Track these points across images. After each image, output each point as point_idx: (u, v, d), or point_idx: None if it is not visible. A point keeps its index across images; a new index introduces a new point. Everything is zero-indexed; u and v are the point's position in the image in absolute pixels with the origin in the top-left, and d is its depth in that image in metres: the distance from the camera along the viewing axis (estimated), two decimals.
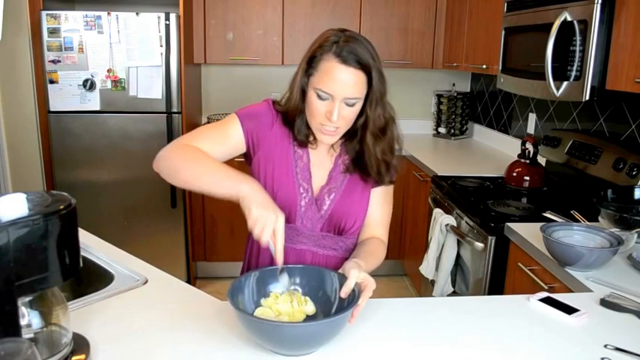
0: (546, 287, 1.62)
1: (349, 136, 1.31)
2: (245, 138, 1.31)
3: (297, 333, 1.00)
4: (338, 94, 1.18)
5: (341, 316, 1.01)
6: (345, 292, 1.09)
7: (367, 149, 1.28)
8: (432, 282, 2.50)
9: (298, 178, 1.32)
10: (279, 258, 1.12)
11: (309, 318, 1.13)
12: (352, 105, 1.21)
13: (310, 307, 1.15)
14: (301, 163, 1.33)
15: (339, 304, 1.13)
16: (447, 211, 2.44)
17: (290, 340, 1.00)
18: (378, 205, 1.39)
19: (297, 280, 1.19)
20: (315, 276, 1.19)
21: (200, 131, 1.31)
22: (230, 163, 1.26)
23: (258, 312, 1.13)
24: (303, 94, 1.25)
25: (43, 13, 2.94)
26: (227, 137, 1.30)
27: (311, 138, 1.31)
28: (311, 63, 1.22)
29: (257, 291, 1.16)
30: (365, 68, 1.18)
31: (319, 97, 1.20)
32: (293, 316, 1.12)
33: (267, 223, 1.08)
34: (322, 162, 1.35)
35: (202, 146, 1.25)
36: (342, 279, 1.14)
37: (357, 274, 1.09)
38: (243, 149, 1.33)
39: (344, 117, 1.21)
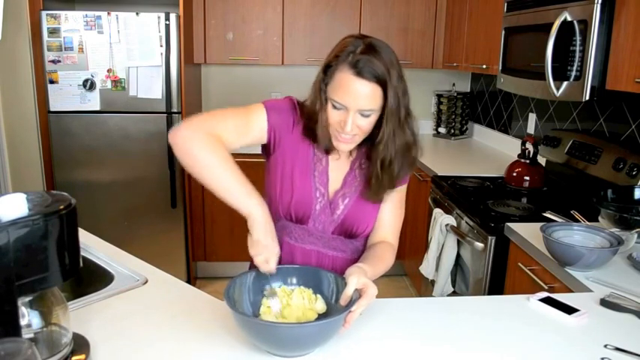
0: (546, 287, 1.62)
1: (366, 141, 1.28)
2: (268, 131, 1.27)
3: (290, 334, 0.99)
4: (352, 105, 1.16)
5: (335, 318, 1.01)
6: (344, 300, 1.08)
7: (372, 163, 1.26)
8: (432, 282, 2.50)
9: (316, 182, 1.31)
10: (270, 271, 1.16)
11: (321, 316, 1.13)
12: (368, 116, 1.18)
13: (320, 305, 1.15)
14: (320, 167, 1.31)
15: (336, 305, 1.13)
16: (447, 211, 2.44)
17: (283, 341, 1.00)
18: (391, 210, 1.37)
19: (294, 281, 1.19)
20: (312, 276, 1.19)
21: (224, 116, 1.25)
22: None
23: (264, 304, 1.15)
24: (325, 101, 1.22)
25: (43, 13, 2.94)
26: (250, 128, 1.26)
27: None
28: (327, 72, 1.19)
29: (254, 291, 1.16)
30: (380, 82, 1.14)
31: (334, 106, 1.18)
32: (305, 315, 1.13)
33: (263, 253, 1.14)
34: (340, 165, 1.33)
35: (224, 133, 1.20)
36: (339, 280, 1.14)
37: (357, 280, 1.08)
38: (263, 141, 1.30)
39: (359, 127, 1.19)
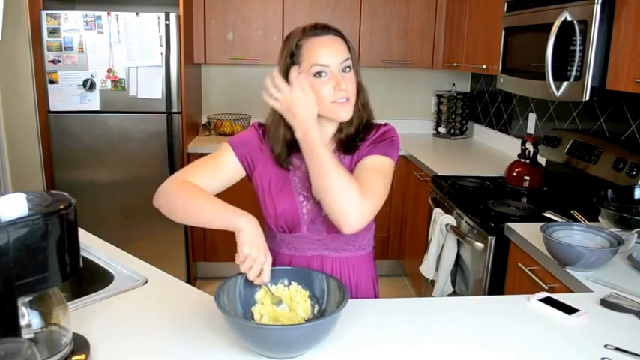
0: (546, 287, 1.62)
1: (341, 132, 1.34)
2: (240, 162, 1.34)
3: (281, 336, 0.98)
4: (332, 61, 1.23)
5: (327, 319, 1.00)
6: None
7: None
8: (432, 282, 2.50)
9: (297, 188, 1.32)
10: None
11: (310, 319, 1.13)
12: (348, 70, 1.26)
13: (305, 308, 1.14)
14: (299, 173, 1.32)
15: (327, 307, 1.13)
16: (447, 211, 2.44)
17: (274, 343, 0.99)
18: (362, 170, 1.26)
19: (285, 282, 1.19)
20: (303, 278, 1.18)
21: (196, 165, 1.34)
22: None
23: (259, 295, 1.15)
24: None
25: (43, 13, 2.94)
26: (223, 167, 1.33)
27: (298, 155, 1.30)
28: (293, 57, 1.25)
29: (245, 293, 1.15)
30: (341, 35, 1.28)
31: (319, 75, 1.23)
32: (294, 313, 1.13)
33: (255, 264, 1.11)
34: None
35: (199, 180, 1.28)
36: (330, 280, 1.14)
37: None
38: (242, 174, 1.36)
39: (347, 85, 1.25)
